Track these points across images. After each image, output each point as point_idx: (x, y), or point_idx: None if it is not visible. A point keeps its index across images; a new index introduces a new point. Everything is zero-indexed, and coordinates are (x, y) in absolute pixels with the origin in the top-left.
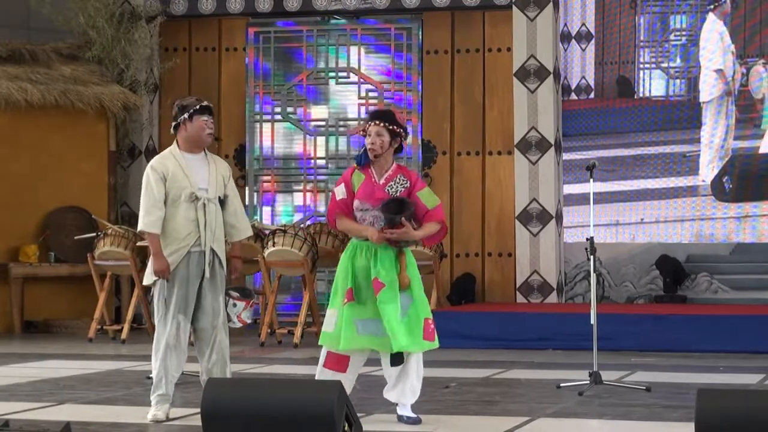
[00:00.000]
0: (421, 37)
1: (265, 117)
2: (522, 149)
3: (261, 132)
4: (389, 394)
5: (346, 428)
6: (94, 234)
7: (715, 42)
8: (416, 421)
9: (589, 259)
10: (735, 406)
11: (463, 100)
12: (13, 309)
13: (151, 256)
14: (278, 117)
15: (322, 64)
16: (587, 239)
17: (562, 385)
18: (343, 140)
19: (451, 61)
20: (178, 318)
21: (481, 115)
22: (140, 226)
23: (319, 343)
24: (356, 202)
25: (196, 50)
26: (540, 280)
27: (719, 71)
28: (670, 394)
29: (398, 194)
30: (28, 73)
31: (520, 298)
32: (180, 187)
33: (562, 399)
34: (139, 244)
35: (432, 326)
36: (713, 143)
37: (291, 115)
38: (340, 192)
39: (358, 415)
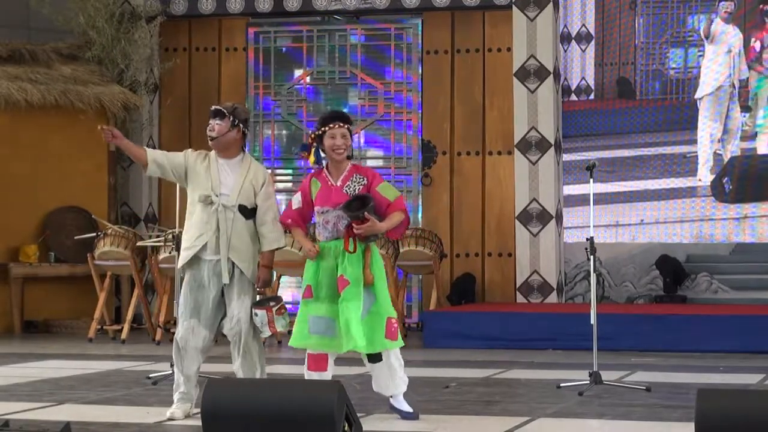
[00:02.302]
0: (421, 37)
1: (265, 117)
2: (522, 149)
3: (261, 132)
4: (382, 390)
5: (346, 428)
6: (94, 234)
7: (716, 43)
8: (414, 416)
9: (589, 259)
10: (735, 406)
11: (463, 100)
12: (13, 309)
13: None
14: (278, 117)
15: (322, 64)
16: (587, 239)
17: (562, 385)
18: None
19: (451, 61)
20: (191, 322)
21: (481, 115)
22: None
23: (290, 344)
24: (317, 207)
25: (196, 50)
26: (540, 280)
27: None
28: (670, 394)
29: (354, 193)
30: (28, 73)
31: (520, 298)
32: (199, 188)
33: (562, 399)
34: (139, 244)
35: (395, 325)
36: (712, 142)
37: (291, 116)
38: (296, 201)
39: (358, 415)
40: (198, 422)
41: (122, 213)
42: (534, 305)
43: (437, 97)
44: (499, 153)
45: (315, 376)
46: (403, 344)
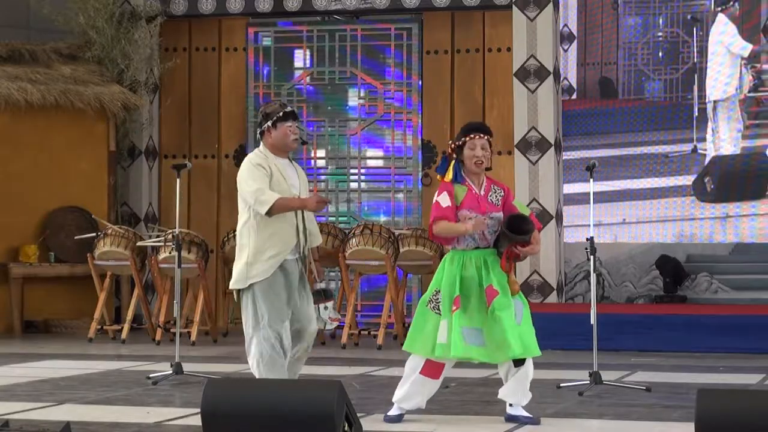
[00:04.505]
0: (421, 37)
1: None
2: (522, 149)
3: None
4: (505, 395)
5: (346, 428)
6: (94, 234)
7: (727, 41)
8: (535, 422)
9: (589, 259)
10: (735, 406)
11: (463, 100)
12: (13, 309)
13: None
14: None
15: (322, 64)
16: (587, 239)
17: (562, 385)
18: (343, 140)
19: (451, 61)
20: (284, 325)
21: (481, 115)
22: (264, 207)
23: (436, 355)
24: (464, 211)
25: (196, 50)
26: (540, 280)
27: (742, 59)
28: (670, 394)
29: (498, 203)
30: (28, 73)
31: None
32: (283, 191)
33: (562, 399)
34: (139, 244)
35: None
36: (723, 144)
37: None
38: (445, 200)
39: (358, 415)
40: (198, 422)
41: (122, 213)
42: (534, 305)
43: (437, 97)
44: (499, 153)
45: (420, 381)
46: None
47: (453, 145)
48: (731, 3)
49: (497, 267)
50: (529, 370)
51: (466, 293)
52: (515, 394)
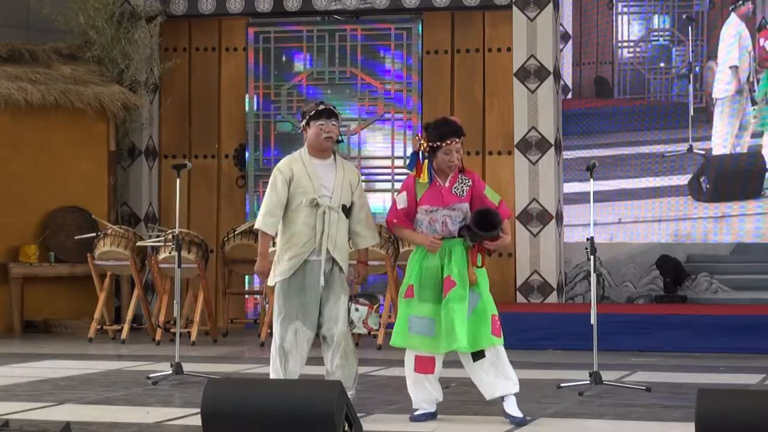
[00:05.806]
0: (421, 37)
1: (264, 117)
2: (522, 149)
3: (261, 132)
4: (488, 391)
5: (346, 428)
6: (94, 234)
7: (731, 41)
8: (522, 422)
9: (589, 259)
10: (735, 406)
11: (463, 100)
12: (13, 309)
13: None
14: (278, 117)
15: (322, 64)
16: (587, 239)
17: (562, 385)
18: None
19: (451, 61)
20: (295, 325)
21: (481, 115)
22: (257, 224)
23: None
24: (424, 206)
25: (196, 50)
26: (540, 280)
27: (734, 68)
28: (670, 394)
29: (464, 194)
30: (28, 73)
31: (520, 298)
32: (303, 192)
33: (562, 399)
34: (139, 244)
35: (498, 323)
36: (726, 142)
37: (291, 116)
38: (401, 201)
39: (358, 415)
40: (198, 422)
41: (122, 213)
42: (534, 305)
43: (437, 97)
44: (499, 153)
45: (421, 378)
46: (503, 342)
47: (426, 145)
48: (741, 2)
49: (460, 258)
50: (499, 359)
51: (424, 283)
52: (494, 386)
